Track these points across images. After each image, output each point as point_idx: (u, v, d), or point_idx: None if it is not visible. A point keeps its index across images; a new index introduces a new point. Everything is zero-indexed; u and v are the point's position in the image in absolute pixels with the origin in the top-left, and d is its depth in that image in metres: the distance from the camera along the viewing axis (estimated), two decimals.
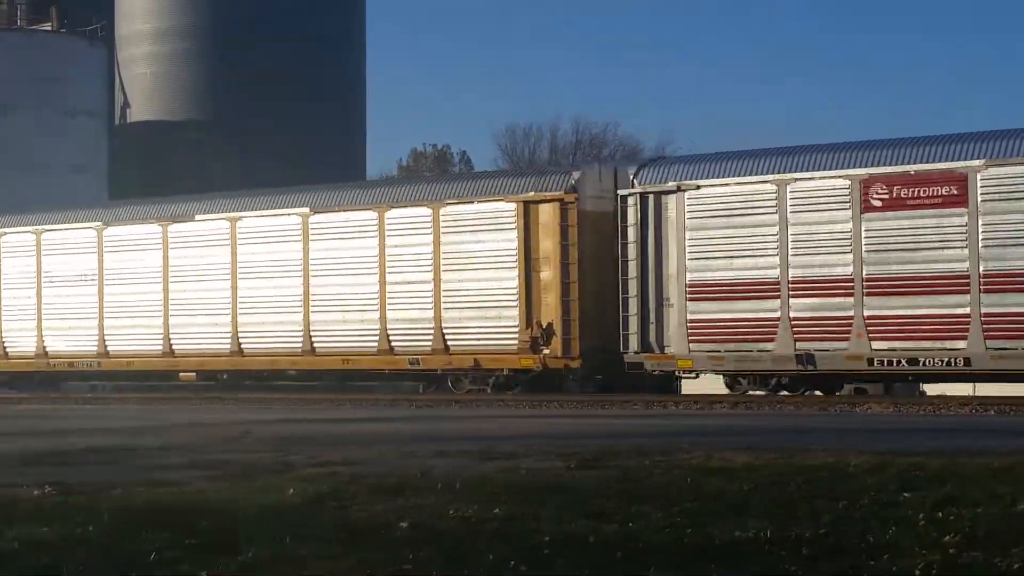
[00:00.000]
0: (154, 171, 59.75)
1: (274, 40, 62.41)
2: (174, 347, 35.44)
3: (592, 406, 26.79)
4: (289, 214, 33.70)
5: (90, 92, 60.94)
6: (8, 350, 38.34)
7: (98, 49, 62.04)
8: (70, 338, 37.22)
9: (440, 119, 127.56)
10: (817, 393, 28.94)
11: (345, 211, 33.05)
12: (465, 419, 22.39)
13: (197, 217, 35.14)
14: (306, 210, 33.41)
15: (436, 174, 29.83)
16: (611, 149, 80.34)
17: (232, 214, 34.63)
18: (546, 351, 30.20)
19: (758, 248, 28.00)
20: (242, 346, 34.33)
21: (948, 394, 27.65)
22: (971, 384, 29.29)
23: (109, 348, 36.55)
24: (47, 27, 61.21)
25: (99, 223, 36.78)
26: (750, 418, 22.12)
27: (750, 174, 28.31)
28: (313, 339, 33.24)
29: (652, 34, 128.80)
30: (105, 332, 36.51)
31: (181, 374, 35.96)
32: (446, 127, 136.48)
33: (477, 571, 7.62)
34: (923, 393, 29.57)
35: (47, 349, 37.65)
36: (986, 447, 13.81)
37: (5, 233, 38.35)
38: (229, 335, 34.44)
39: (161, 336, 35.53)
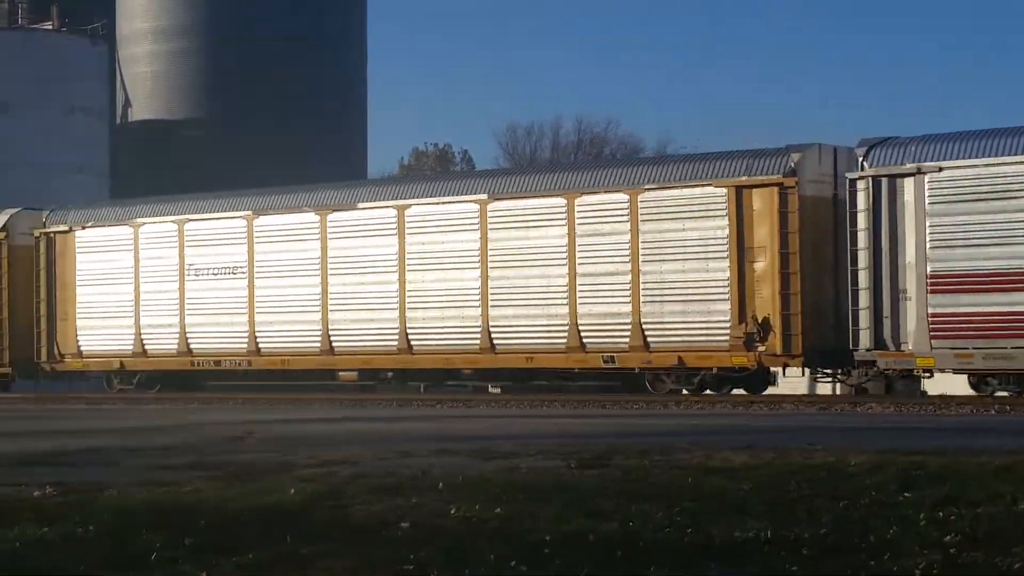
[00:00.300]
0: (155, 170, 59.77)
1: (275, 39, 62.45)
2: (333, 344, 32.90)
3: (592, 406, 26.78)
4: (465, 201, 31.33)
5: (91, 91, 60.97)
6: (148, 347, 35.68)
7: (99, 48, 62.06)
8: (217, 335, 34.70)
9: (440, 119, 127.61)
10: None
11: (530, 198, 30.67)
12: (465, 419, 22.39)
13: (360, 205, 32.75)
14: (484, 196, 31.03)
15: (630, 158, 27.24)
16: (612, 148, 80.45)
17: (400, 201, 32.29)
18: (761, 348, 27.97)
19: (1016, 234, 25.99)
20: (411, 343, 31.85)
21: (949, 394, 27.59)
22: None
23: (261, 346, 34.00)
24: (48, 26, 61.22)
25: (249, 212, 34.19)
26: (750, 418, 22.12)
27: (1005, 154, 26.19)
28: (492, 335, 30.83)
29: (650, 33, 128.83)
30: (256, 328, 33.95)
31: (340, 374, 33.42)
32: (446, 127, 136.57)
33: (478, 571, 7.62)
34: (924, 393, 29.51)
35: (191, 346, 35.05)
36: (987, 446, 13.80)
37: (144, 223, 35.79)
38: (396, 331, 31.97)
39: (319, 333, 33.00)
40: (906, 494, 9.92)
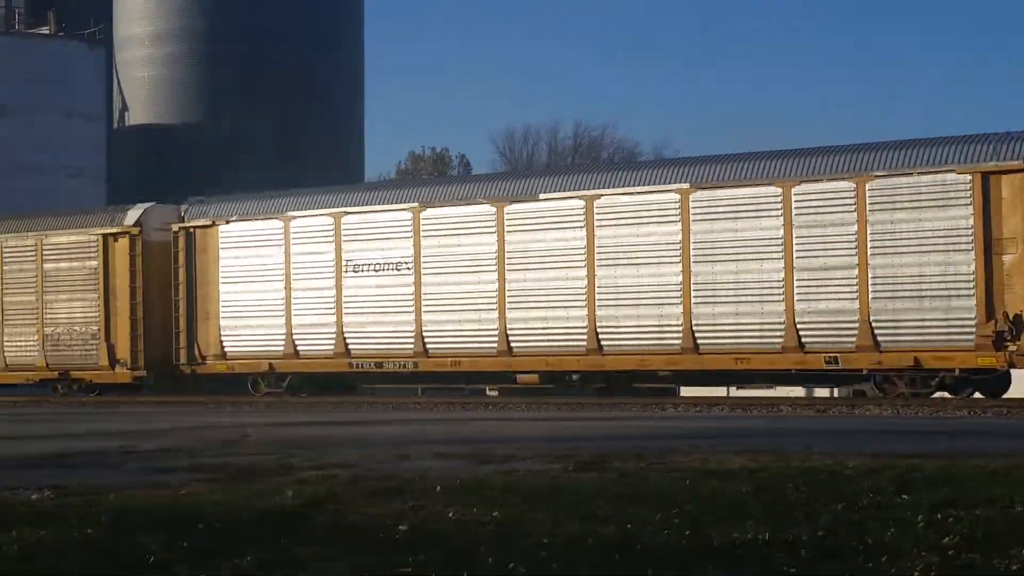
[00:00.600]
0: (152, 174, 59.79)
1: (272, 42, 62.47)
2: (512, 344, 30.62)
3: (589, 408, 26.76)
4: (665, 191, 29.17)
5: (88, 95, 60.97)
6: (300, 348, 33.41)
7: (96, 52, 62.07)
8: (378, 335, 32.32)
9: (435, 123, 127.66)
10: None
11: (739, 187, 28.52)
12: (463, 422, 22.38)
13: (541, 196, 30.45)
14: (685, 185, 28.93)
15: (856, 144, 25.50)
16: (609, 152, 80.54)
17: (588, 192, 29.93)
18: (1012, 348, 25.89)
19: None
20: (601, 343, 29.63)
21: (947, 396, 27.58)
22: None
23: (428, 346, 31.67)
24: (45, 30, 61.25)
25: (415, 204, 31.82)
26: (748, 420, 22.12)
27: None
28: (696, 334, 28.73)
29: (647, 35, 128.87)
30: (424, 328, 31.67)
31: (519, 376, 31.00)
32: (441, 131, 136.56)
33: (476, 573, 7.62)
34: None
35: (349, 347, 32.67)
36: (984, 449, 13.81)
37: (295, 217, 33.48)
38: (584, 330, 29.79)
39: (495, 332, 30.79)
40: (904, 496, 9.93)
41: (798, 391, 30.76)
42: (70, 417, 25.84)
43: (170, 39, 63.84)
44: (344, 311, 32.66)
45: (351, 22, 66.65)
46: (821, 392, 31.16)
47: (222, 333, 34.47)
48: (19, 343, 37.24)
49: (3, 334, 37.36)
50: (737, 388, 31.04)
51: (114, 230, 35.63)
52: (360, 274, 32.44)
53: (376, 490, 10.78)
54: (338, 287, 32.73)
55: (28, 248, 36.99)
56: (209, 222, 34.75)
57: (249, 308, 34.10)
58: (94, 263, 35.87)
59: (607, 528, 8.79)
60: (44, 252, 36.70)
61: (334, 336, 32.80)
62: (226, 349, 34.49)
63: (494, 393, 32.50)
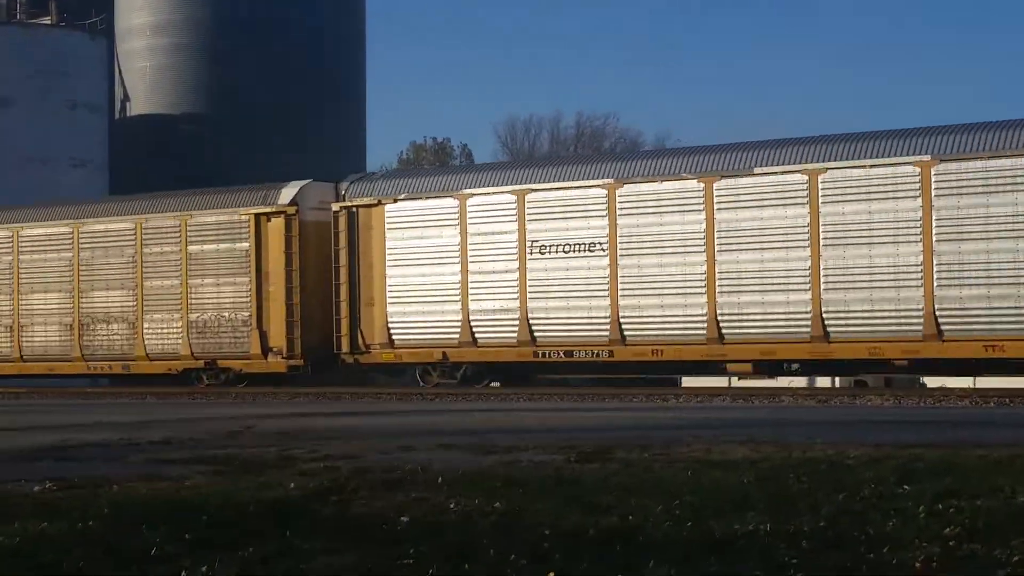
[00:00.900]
0: (154, 164, 59.77)
1: (274, 32, 62.42)
2: (723, 331, 28.52)
3: (592, 399, 26.77)
4: (905, 163, 27.03)
5: (90, 85, 60.90)
6: (478, 336, 31.24)
7: (98, 42, 62.03)
8: (568, 321, 30.16)
9: (436, 113, 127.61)
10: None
11: (991, 159, 26.27)
12: (464, 413, 22.40)
13: (757, 170, 28.26)
14: (926, 157, 26.82)
15: None
16: (612, 142, 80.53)
17: (810, 165, 27.77)
18: None
19: None
20: (827, 329, 27.63)
21: (948, 386, 27.59)
22: (971, 377, 28.43)
23: (625, 333, 29.45)
24: (47, 20, 61.19)
25: (609, 179, 29.74)
26: (749, 411, 22.13)
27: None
28: (939, 319, 26.65)
29: (649, 26, 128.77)
30: (620, 313, 29.45)
31: (729, 365, 29.35)
32: (441, 121, 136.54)
33: (478, 565, 7.63)
34: (923, 385, 29.50)
35: (535, 335, 30.52)
36: (986, 439, 13.82)
37: (474, 194, 31.33)
38: (807, 315, 27.84)
39: (703, 318, 28.69)
40: (905, 487, 9.94)
41: (799, 381, 30.66)
42: (71, 409, 25.86)
43: (172, 29, 63.78)
44: (528, 295, 30.60)
45: (353, 12, 66.59)
46: (823, 382, 31.04)
47: (389, 320, 32.39)
48: (161, 330, 35.35)
49: (142, 320, 35.52)
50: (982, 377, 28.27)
51: (268, 209, 33.81)
52: (547, 255, 30.32)
53: (379, 482, 10.80)
54: (522, 270, 30.68)
55: (171, 229, 35.09)
56: (374, 200, 32.71)
57: (419, 293, 32.04)
58: (245, 244, 34.05)
59: (609, 519, 8.80)
60: (188, 233, 34.82)
61: (517, 322, 30.73)
62: (393, 337, 32.37)
63: (496, 384, 32.33)
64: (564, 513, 9.06)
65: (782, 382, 30.30)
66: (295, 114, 61.85)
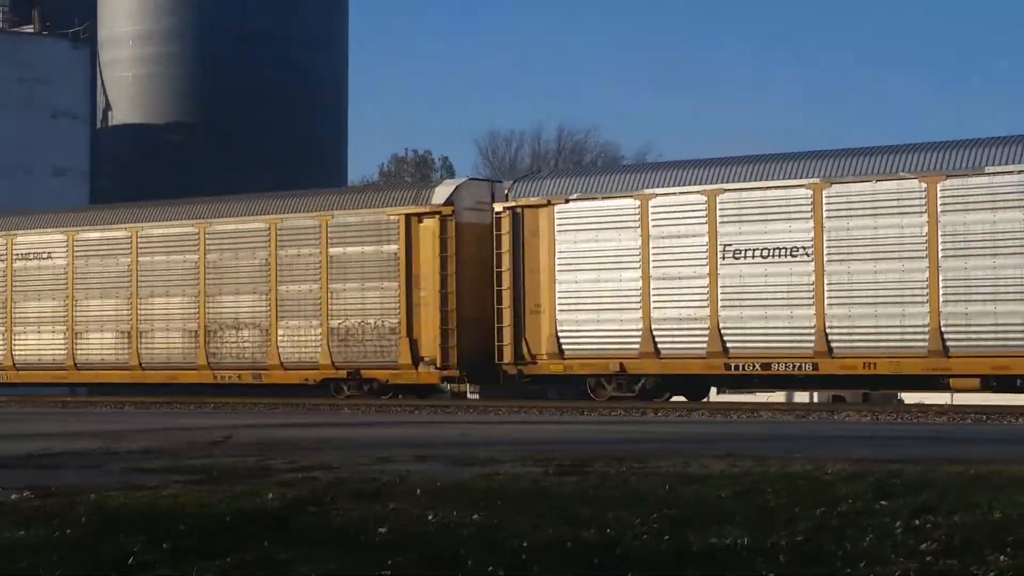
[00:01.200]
0: (136, 174, 59.71)
1: (256, 43, 62.42)
2: (947, 342, 26.26)
3: (571, 412, 26.79)
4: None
5: (72, 94, 60.81)
6: (661, 347, 29.00)
7: (81, 51, 61.94)
8: (763, 331, 28.02)
9: (416, 126, 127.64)
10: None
11: None
12: (443, 424, 22.40)
13: (988, 169, 26.04)
14: None
15: None
16: (592, 155, 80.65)
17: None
18: None
19: None
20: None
21: (926, 403, 27.68)
22: (948, 393, 27.91)
23: (832, 345, 27.28)
24: (29, 29, 61.11)
25: (815, 179, 27.74)
26: (728, 425, 22.16)
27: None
28: None
29: (632, 39, 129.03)
30: (827, 323, 27.40)
31: (953, 380, 26.99)
32: (423, 134, 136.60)
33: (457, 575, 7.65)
34: (901, 401, 29.57)
35: (727, 345, 28.36)
36: (963, 455, 13.86)
37: (656, 195, 29.20)
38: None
39: (924, 328, 26.46)
40: (883, 502, 9.95)
41: (778, 396, 30.69)
42: (51, 417, 25.80)
43: (155, 39, 63.74)
44: (720, 303, 28.31)
45: (335, 24, 66.63)
46: (801, 397, 31.03)
47: (559, 328, 30.03)
48: (297, 338, 33.03)
49: (276, 327, 33.21)
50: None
51: (420, 209, 31.45)
52: (741, 260, 28.11)
53: (357, 492, 10.79)
54: (712, 276, 28.39)
55: (309, 230, 32.78)
56: (543, 201, 30.33)
57: (594, 300, 29.67)
58: (393, 247, 31.70)
59: (588, 532, 8.81)
60: (329, 234, 32.53)
61: (707, 332, 28.47)
62: (563, 347, 30.03)
63: (475, 396, 32.26)
64: (542, 525, 9.06)
65: (760, 397, 30.35)
66: (276, 125, 61.83)
